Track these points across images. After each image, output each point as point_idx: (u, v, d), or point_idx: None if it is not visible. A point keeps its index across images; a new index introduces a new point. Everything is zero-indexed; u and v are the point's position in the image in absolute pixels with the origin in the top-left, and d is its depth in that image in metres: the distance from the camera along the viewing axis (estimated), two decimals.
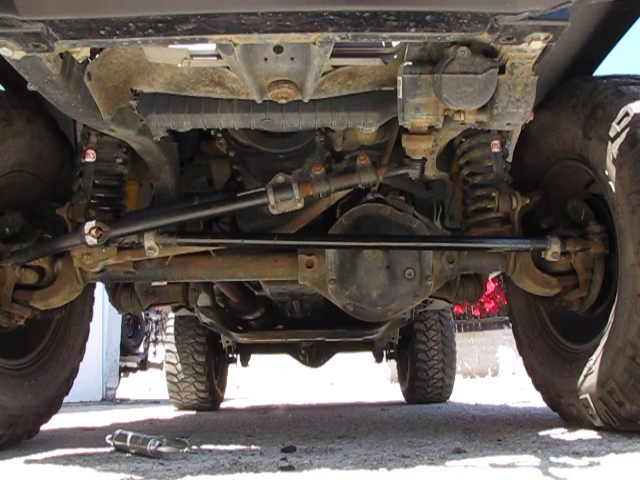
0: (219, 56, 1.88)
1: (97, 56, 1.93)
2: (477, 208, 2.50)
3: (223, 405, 6.14)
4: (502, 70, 1.75)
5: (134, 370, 11.08)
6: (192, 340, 5.24)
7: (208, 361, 5.31)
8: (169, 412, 5.24)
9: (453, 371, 5.48)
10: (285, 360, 6.32)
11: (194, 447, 2.22)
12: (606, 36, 2.36)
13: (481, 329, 15.21)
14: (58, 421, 3.30)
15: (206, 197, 2.66)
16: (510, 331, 3.14)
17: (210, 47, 1.90)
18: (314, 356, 5.68)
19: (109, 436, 2.21)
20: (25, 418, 2.42)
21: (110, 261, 2.38)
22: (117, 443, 2.17)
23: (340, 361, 7.06)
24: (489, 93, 1.76)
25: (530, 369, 2.85)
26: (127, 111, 2.17)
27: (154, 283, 2.80)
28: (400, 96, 1.87)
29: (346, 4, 1.42)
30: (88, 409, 5.92)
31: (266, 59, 1.83)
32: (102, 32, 1.48)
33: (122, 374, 10.09)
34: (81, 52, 1.79)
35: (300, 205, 2.28)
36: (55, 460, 2.02)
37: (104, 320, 8.17)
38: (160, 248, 2.32)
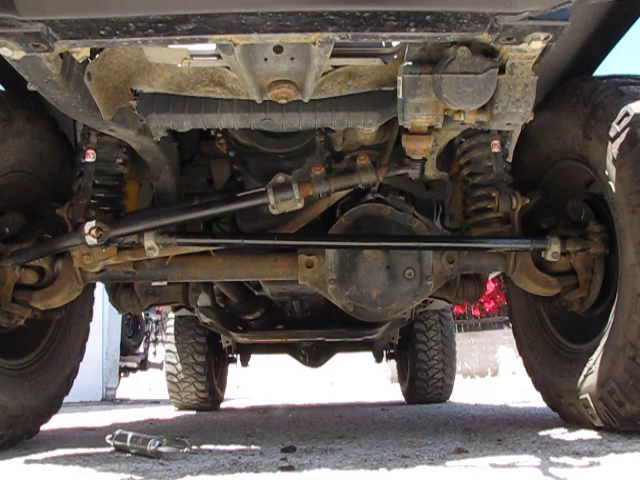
0: (219, 56, 1.89)
1: (97, 56, 1.93)
2: (477, 208, 2.50)
3: (223, 405, 6.14)
4: (502, 70, 1.75)
5: (134, 370, 11.08)
6: (192, 340, 5.24)
7: (208, 361, 5.31)
8: (169, 412, 5.25)
9: (453, 371, 5.48)
10: (285, 360, 6.32)
11: (194, 447, 2.22)
12: (606, 36, 2.36)
13: (481, 329, 15.22)
14: (58, 421, 3.30)
15: (206, 197, 2.66)
16: (510, 331, 3.14)
17: (210, 47, 1.90)
18: (314, 356, 5.69)
19: (109, 436, 2.21)
20: (25, 418, 2.42)
21: (110, 261, 2.38)
22: (117, 443, 2.16)
23: (340, 361, 7.07)
24: (489, 93, 1.76)
25: (530, 369, 2.85)
26: (127, 111, 2.16)
27: (154, 283, 2.80)
28: (400, 96, 1.87)
29: (346, 4, 1.42)
30: (88, 409, 5.92)
31: (266, 59, 1.83)
32: (102, 32, 1.48)
33: (122, 374, 10.09)
34: (81, 52, 1.79)
35: (300, 205, 2.28)
36: (55, 460, 2.02)
37: (104, 320, 8.18)
38: (160, 248, 2.33)
